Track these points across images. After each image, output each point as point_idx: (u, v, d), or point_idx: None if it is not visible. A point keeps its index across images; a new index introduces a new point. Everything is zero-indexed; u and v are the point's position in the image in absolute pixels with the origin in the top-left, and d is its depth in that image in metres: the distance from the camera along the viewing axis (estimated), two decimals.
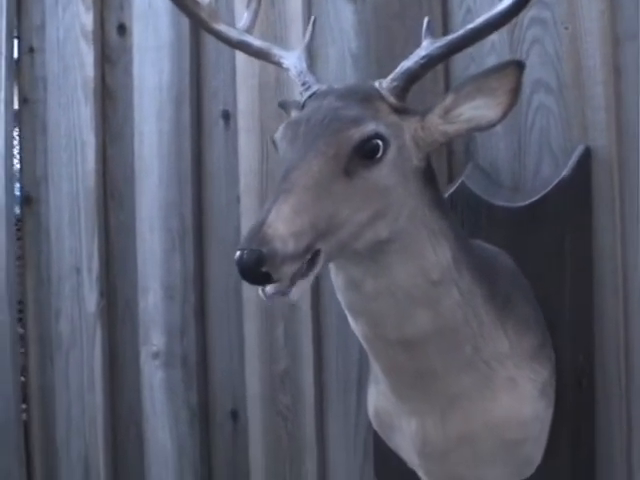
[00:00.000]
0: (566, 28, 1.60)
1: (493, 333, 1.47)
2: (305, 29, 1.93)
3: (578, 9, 1.59)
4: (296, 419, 1.94)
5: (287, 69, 1.45)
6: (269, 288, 1.23)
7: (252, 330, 2.00)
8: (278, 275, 1.19)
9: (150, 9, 2.15)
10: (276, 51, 1.48)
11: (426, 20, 1.40)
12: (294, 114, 1.49)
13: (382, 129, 1.29)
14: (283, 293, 1.23)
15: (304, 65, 1.43)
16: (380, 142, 1.28)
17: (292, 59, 1.45)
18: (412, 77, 1.34)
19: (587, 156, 1.58)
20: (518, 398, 1.50)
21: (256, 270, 1.18)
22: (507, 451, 1.53)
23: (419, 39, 1.78)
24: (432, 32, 1.38)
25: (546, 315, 1.56)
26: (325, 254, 1.25)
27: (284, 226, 1.20)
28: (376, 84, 1.35)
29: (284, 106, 1.59)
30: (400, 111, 1.34)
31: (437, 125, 1.34)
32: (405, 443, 1.57)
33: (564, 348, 1.55)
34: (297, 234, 1.21)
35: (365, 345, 1.46)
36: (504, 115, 1.33)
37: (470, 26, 1.33)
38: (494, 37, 1.63)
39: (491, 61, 1.67)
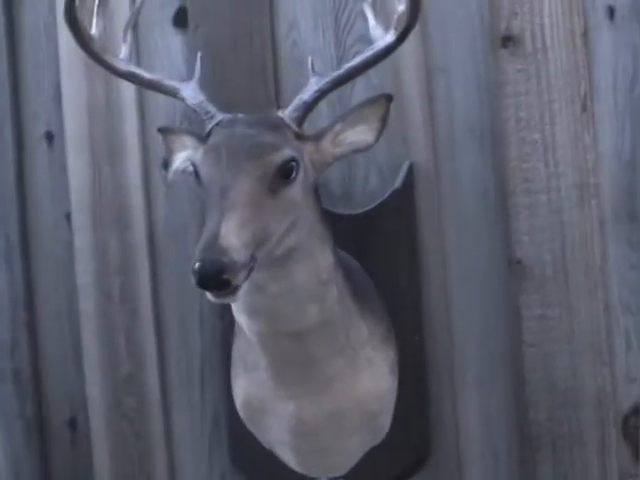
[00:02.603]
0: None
1: (357, 322, 1.74)
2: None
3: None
4: (142, 420, 2.08)
5: (183, 99, 1.62)
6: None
7: (91, 341, 2.11)
8: (236, 281, 1.39)
9: None
10: (169, 82, 1.64)
11: (310, 59, 1.62)
12: (189, 140, 1.65)
13: (294, 153, 1.52)
14: (231, 296, 1.42)
15: (202, 96, 1.61)
16: (294, 164, 1.51)
17: (187, 90, 1.62)
18: (308, 108, 1.57)
19: (411, 170, 1.89)
20: (376, 375, 1.78)
21: (218, 278, 1.37)
22: (367, 422, 1.80)
23: (250, 67, 2.01)
24: (314, 70, 1.61)
25: (387, 305, 1.87)
26: (258, 261, 1.46)
27: (235, 238, 1.39)
28: (279, 114, 1.57)
29: (165, 131, 1.74)
30: (300, 137, 1.57)
31: (328, 149, 1.59)
32: (277, 425, 1.79)
33: (403, 330, 1.87)
34: (245, 245, 1.40)
35: (257, 339, 1.66)
36: (377, 139, 1.61)
37: (350, 64, 1.59)
38: None
39: None
